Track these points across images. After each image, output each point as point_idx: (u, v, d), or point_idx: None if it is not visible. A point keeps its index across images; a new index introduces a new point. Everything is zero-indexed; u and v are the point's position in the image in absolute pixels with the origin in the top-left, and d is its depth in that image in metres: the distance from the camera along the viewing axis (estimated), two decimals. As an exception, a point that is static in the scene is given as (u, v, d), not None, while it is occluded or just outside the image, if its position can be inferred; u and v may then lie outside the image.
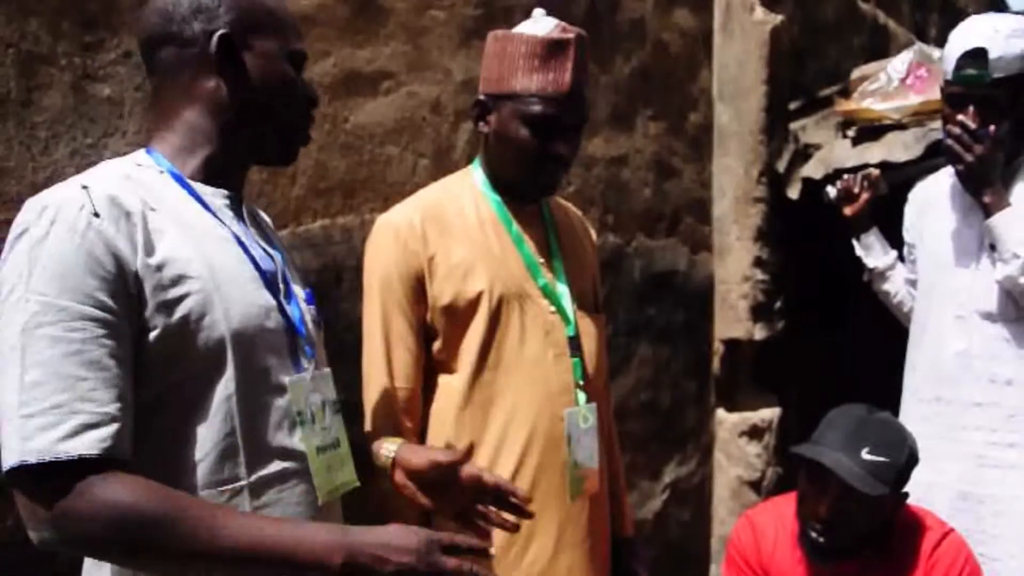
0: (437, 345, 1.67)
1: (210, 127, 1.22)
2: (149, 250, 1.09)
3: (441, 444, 1.67)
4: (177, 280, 1.10)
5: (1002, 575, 2.05)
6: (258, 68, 1.22)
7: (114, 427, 1.02)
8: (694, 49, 3.23)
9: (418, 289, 1.65)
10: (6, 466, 1.00)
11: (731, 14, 3.27)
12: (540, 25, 1.66)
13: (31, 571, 1.46)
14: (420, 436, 1.68)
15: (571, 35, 1.63)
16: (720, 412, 3.38)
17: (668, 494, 3.18)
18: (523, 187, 1.71)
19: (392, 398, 1.64)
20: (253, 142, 1.26)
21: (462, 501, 1.47)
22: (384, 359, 1.64)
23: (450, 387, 1.66)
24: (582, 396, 1.70)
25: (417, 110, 2.27)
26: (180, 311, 1.09)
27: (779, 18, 3.23)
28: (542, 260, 1.72)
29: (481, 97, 1.69)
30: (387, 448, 1.52)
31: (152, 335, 1.08)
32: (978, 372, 2.13)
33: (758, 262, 3.25)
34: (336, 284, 2.07)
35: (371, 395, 1.65)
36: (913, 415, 2.20)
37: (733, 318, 3.30)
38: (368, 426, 1.64)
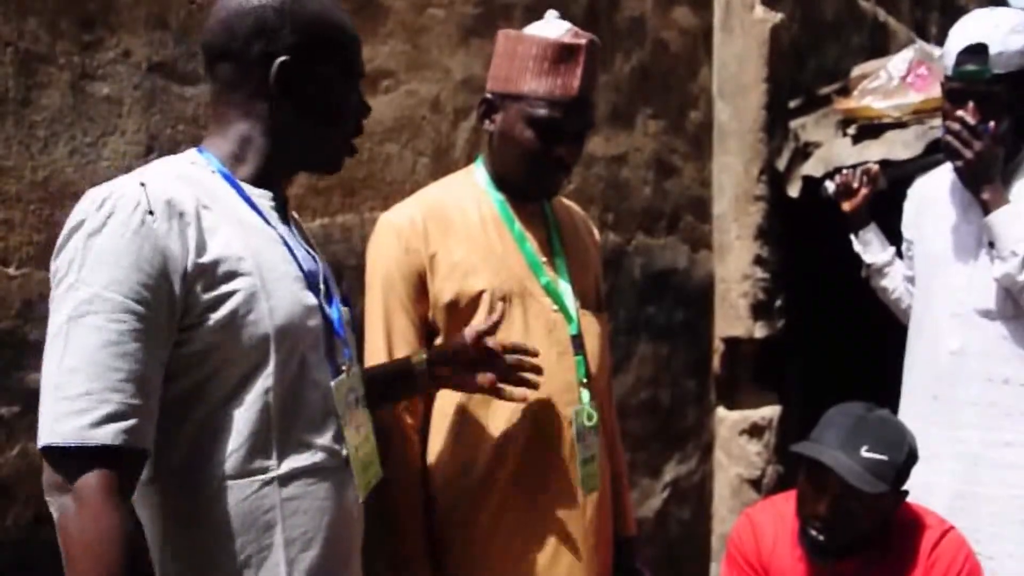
0: (439, 343, 1.67)
1: (262, 141, 1.25)
2: (201, 248, 1.12)
3: (441, 443, 1.67)
4: (227, 277, 1.13)
5: (1000, 574, 2.05)
6: (316, 93, 1.25)
7: (137, 419, 1.06)
8: (694, 47, 3.23)
9: (420, 287, 1.65)
10: (39, 444, 1.05)
11: (731, 12, 3.27)
12: (552, 27, 1.65)
13: (31, 571, 1.46)
14: (422, 433, 1.68)
15: (583, 41, 1.62)
16: (720, 410, 3.38)
17: (668, 492, 3.18)
18: (525, 187, 1.71)
19: (393, 396, 1.64)
20: (302, 155, 1.29)
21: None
22: (386, 357, 1.64)
23: (451, 385, 1.65)
24: (585, 394, 1.70)
25: (416, 109, 2.26)
26: (228, 306, 1.13)
27: (779, 16, 3.23)
28: (544, 259, 1.72)
29: (488, 95, 1.68)
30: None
31: (199, 328, 1.12)
32: (975, 371, 2.12)
33: (758, 260, 3.25)
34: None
35: (372, 393, 1.65)
36: (911, 414, 2.18)
37: (733, 316, 3.29)
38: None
